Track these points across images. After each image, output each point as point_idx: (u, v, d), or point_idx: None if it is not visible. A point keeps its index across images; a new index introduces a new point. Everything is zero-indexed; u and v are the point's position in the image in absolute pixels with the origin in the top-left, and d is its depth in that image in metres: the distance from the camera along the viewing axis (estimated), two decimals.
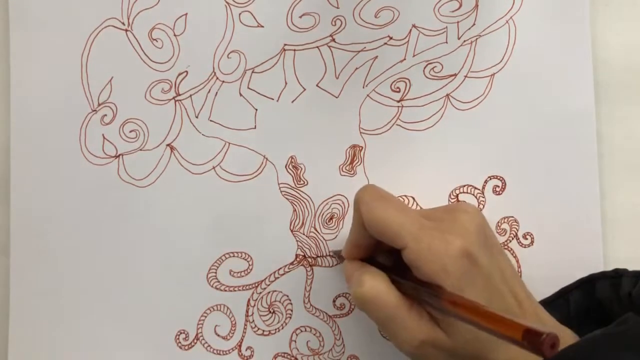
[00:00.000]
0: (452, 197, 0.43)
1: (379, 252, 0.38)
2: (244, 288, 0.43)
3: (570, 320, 0.38)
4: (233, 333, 0.43)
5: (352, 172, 0.43)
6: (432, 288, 0.33)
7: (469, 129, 0.43)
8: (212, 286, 0.43)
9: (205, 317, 0.43)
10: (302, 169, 0.43)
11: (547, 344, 0.25)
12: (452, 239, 0.34)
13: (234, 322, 0.43)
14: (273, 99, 0.43)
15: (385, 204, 0.35)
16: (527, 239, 0.42)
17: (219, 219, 0.43)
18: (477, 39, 0.43)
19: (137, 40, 0.43)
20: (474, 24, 0.43)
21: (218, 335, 0.43)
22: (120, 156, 0.43)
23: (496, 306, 0.34)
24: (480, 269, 0.34)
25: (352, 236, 0.38)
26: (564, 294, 0.39)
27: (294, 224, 0.43)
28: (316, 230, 0.43)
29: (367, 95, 0.43)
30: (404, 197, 0.43)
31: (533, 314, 0.36)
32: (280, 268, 0.43)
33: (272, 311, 0.43)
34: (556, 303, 0.39)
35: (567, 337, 0.36)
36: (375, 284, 0.35)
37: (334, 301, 0.43)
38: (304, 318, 0.43)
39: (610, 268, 0.40)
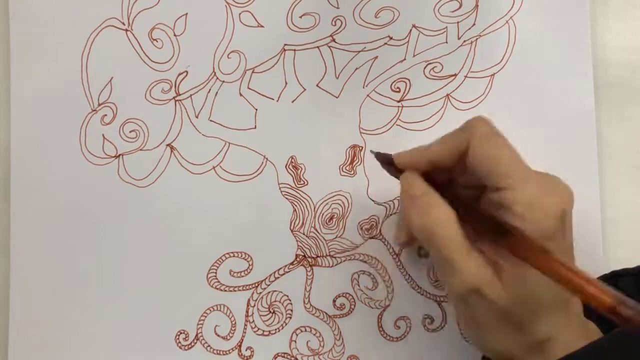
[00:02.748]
0: None
1: (438, 172, 0.36)
2: (244, 288, 0.43)
3: (590, 317, 0.38)
4: (233, 333, 0.43)
5: (352, 172, 0.43)
6: (519, 233, 0.32)
7: None
8: (212, 286, 0.43)
9: (205, 317, 0.43)
10: (302, 169, 0.43)
11: (637, 320, 0.27)
12: (555, 197, 0.33)
13: (234, 322, 0.43)
14: (273, 99, 0.43)
15: (501, 140, 0.34)
16: None
17: (219, 219, 0.43)
18: (477, 39, 0.43)
19: (137, 40, 0.43)
20: (474, 24, 0.43)
21: (218, 335, 0.43)
22: (120, 156, 0.43)
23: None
24: (564, 238, 0.34)
25: (435, 153, 0.35)
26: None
27: (294, 224, 0.43)
28: (316, 230, 0.43)
29: (367, 95, 0.43)
30: None
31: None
32: (280, 268, 0.43)
33: (272, 311, 0.43)
34: None
35: (592, 332, 0.35)
36: (445, 219, 0.33)
37: (334, 301, 0.43)
38: (304, 318, 0.43)
39: (610, 268, 0.40)
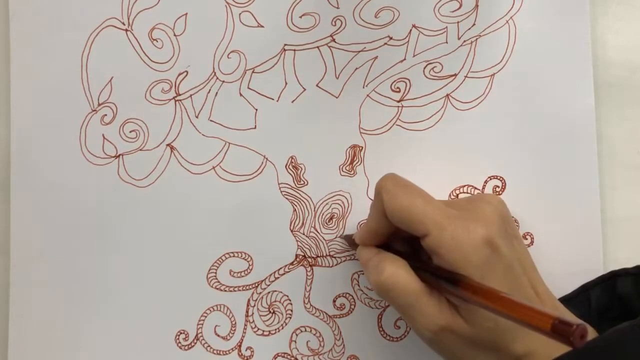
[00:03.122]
0: (452, 197, 0.43)
1: (395, 239, 0.38)
2: (244, 288, 0.43)
3: (591, 316, 0.38)
4: (233, 333, 0.43)
5: (352, 172, 0.43)
6: (454, 276, 0.33)
7: (469, 129, 0.43)
8: (212, 286, 0.43)
9: (205, 317, 0.43)
10: (302, 169, 0.43)
11: (577, 335, 0.25)
12: (475, 228, 0.34)
13: (234, 322, 0.43)
14: (273, 99, 0.43)
15: (409, 191, 0.35)
16: (527, 239, 0.42)
17: (219, 219, 0.43)
18: (477, 39, 0.43)
19: (137, 40, 0.43)
20: (474, 24, 0.43)
21: (218, 336, 0.43)
22: (120, 156, 0.43)
23: (516, 297, 0.34)
24: (501, 259, 0.34)
25: (370, 224, 0.37)
26: (585, 290, 0.39)
27: (294, 224, 0.43)
28: (316, 230, 0.43)
29: (367, 95, 0.43)
30: None
31: (552, 307, 0.37)
32: (280, 268, 0.43)
33: (272, 311, 0.43)
34: (577, 300, 0.39)
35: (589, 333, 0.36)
36: (396, 271, 0.35)
37: (334, 301, 0.43)
38: (304, 318, 0.43)
39: (610, 268, 0.41)
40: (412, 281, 0.34)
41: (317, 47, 0.43)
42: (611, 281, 0.39)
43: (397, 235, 0.38)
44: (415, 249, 0.37)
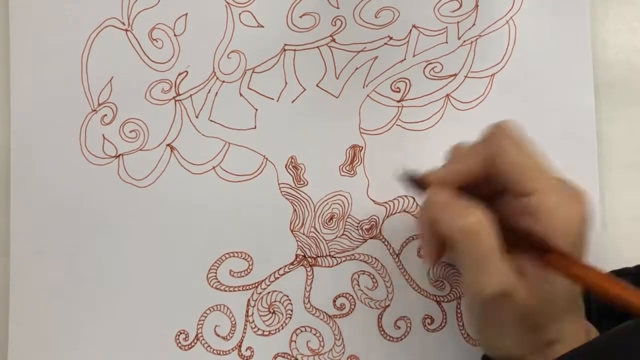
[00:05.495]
0: None
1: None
2: (244, 288, 0.43)
3: (592, 315, 0.38)
4: (233, 333, 0.43)
5: (352, 172, 0.43)
6: (545, 243, 0.33)
7: (469, 129, 0.42)
8: (212, 286, 0.43)
9: (205, 317, 0.43)
10: (302, 169, 0.43)
11: None
12: (577, 204, 0.34)
13: (234, 322, 0.43)
14: (273, 99, 0.43)
15: (525, 145, 0.35)
16: None
17: (219, 219, 0.43)
18: (477, 39, 0.43)
19: (137, 40, 0.43)
20: (474, 24, 0.43)
21: (218, 336, 0.43)
22: (120, 156, 0.43)
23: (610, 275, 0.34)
24: (582, 243, 0.34)
25: (464, 165, 0.36)
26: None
27: (294, 224, 0.43)
28: (316, 230, 0.43)
29: (367, 95, 0.43)
30: (404, 197, 0.43)
31: None
32: (280, 268, 0.43)
33: (272, 311, 0.43)
34: None
35: (592, 332, 0.36)
36: (483, 218, 0.33)
37: (334, 301, 0.43)
38: (304, 318, 0.43)
39: (610, 268, 0.40)
40: (493, 234, 0.33)
41: (317, 47, 0.43)
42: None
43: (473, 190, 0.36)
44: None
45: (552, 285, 0.33)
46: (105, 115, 0.43)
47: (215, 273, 0.43)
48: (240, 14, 0.43)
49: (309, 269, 0.43)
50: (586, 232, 0.34)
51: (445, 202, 0.35)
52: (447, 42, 0.43)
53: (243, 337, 0.43)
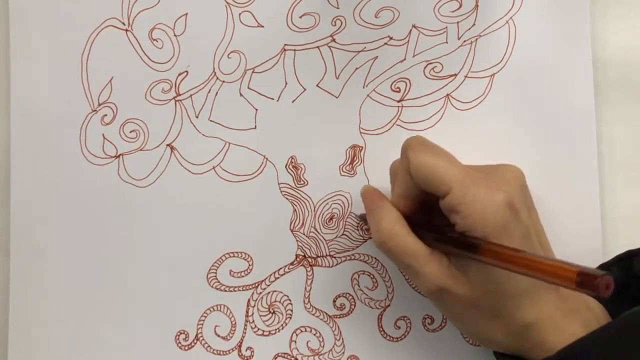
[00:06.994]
0: None
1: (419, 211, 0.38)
2: (244, 288, 0.43)
3: (611, 295, 0.38)
4: (233, 333, 0.43)
5: (352, 172, 0.43)
6: (472, 241, 0.34)
7: (469, 129, 0.43)
8: (212, 286, 0.43)
9: (205, 317, 0.43)
10: (302, 169, 0.43)
11: (602, 285, 0.26)
12: (497, 189, 0.34)
13: (234, 322, 0.43)
14: (273, 99, 0.43)
15: (434, 150, 0.36)
16: None
17: (219, 219, 0.43)
18: (477, 39, 0.43)
19: (137, 40, 0.43)
20: (474, 24, 0.43)
21: (218, 336, 0.43)
22: (120, 156, 0.43)
23: (538, 254, 0.35)
24: (520, 224, 0.34)
25: (398, 187, 0.38)
26: (604, 269, 0.39)
27: (294, 224, 0.43)
28: (316, 230, 0.43)
29: (367, 95, 0.43)
30: None
31: None
32: (280, 268, 0.43)
33: (272, 311, 0.43)
34: None
35: (602, 316, 0.36)
36: (395, 230, 0.36)
37: (334, 301, 0.43)
38: (304, 318, 0.43)
39: None
40: (410, 241, 0.36)
41: (317, 47, 0.43)
42: (628, 260, 0.39)
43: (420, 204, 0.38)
44: (431, 218, 0.37)
45: (496, 275, 0.34)
46: (106, 115, 0.43)
47: (216, 273, 0.43)
48: (240, 14, 0.43)
49: (309, 269, 0.43)
50: (512, 216, 0.34)
51: (370, 224, 0.38)
52: (447, 42, 0.43)
53: (243, 337, 0.43)
